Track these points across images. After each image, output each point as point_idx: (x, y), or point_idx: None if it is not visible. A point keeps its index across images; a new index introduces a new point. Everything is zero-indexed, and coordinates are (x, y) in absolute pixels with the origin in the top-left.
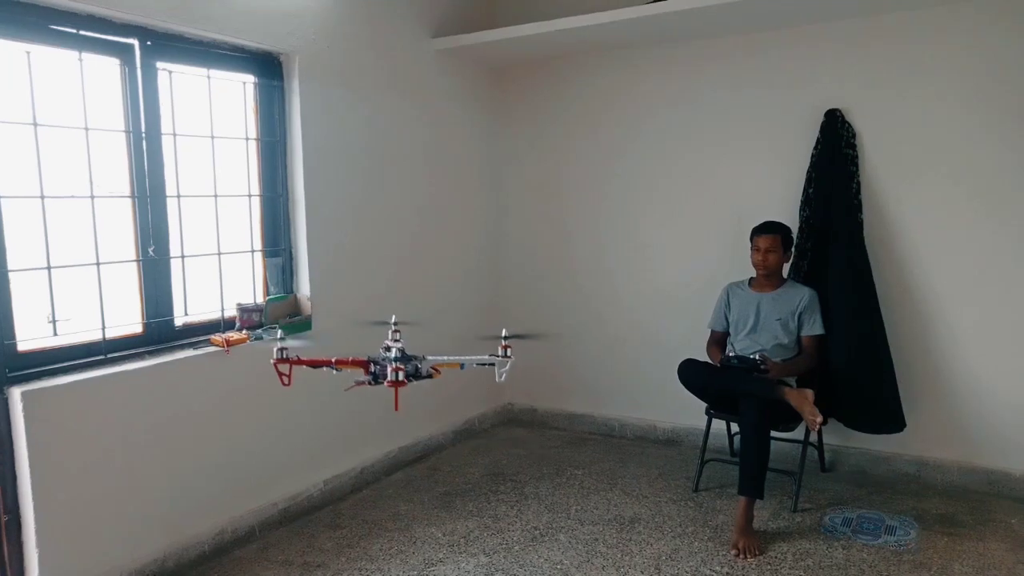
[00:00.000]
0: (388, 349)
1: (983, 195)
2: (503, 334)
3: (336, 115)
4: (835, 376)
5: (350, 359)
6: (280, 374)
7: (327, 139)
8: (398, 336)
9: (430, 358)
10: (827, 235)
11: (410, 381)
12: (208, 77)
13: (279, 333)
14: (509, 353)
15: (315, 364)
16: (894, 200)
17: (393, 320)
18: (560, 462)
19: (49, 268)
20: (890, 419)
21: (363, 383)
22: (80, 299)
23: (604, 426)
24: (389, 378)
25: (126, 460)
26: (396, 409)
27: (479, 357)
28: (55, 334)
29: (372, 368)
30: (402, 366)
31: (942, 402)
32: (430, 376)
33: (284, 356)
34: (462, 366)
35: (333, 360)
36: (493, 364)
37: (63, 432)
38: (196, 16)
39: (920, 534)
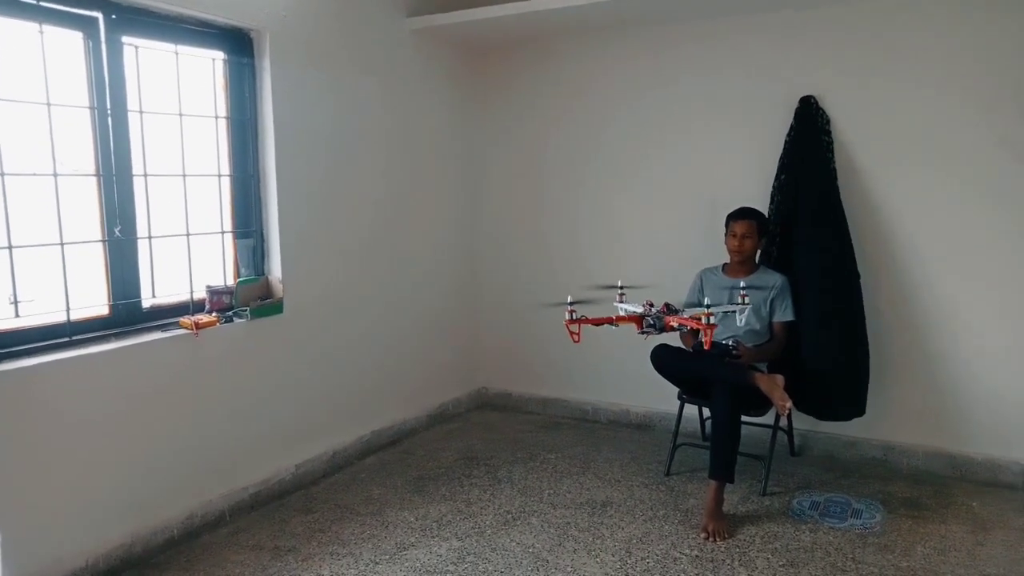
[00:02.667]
0: (650, 305)
1: (958, 180)
2: (741, 285)
3: (309, 94)
4: (805, 365)
5: (628, 316)
6: (572, 333)
7: (299, 118)
8: (624, 296)
9: (687, 311)
10: (798, 221)
11: (710, 325)
12: (176, 53)
13: (568, 298)
14: (747, 300)
15: (598, 323)
16: (869, 186)
17: (620, 283)
18: (533, 446)
19: (11, 248)
20: (851, 404)
21: (649, 332)
22: (44, 280)
23: (578, 410)
24: (704, 323)
25: (92, 444)
26: (707, 347)
27: (726, 307)
28: (17, 315)
29: (646, 320)
30: (674, 315)
31: (908, 388)
32: (712, 326)
33: (575, 317)
34: (714, 315)
35: (615, 318)
36: (735, 311)
37: (26, 415)
38: None
39: (885, 517)
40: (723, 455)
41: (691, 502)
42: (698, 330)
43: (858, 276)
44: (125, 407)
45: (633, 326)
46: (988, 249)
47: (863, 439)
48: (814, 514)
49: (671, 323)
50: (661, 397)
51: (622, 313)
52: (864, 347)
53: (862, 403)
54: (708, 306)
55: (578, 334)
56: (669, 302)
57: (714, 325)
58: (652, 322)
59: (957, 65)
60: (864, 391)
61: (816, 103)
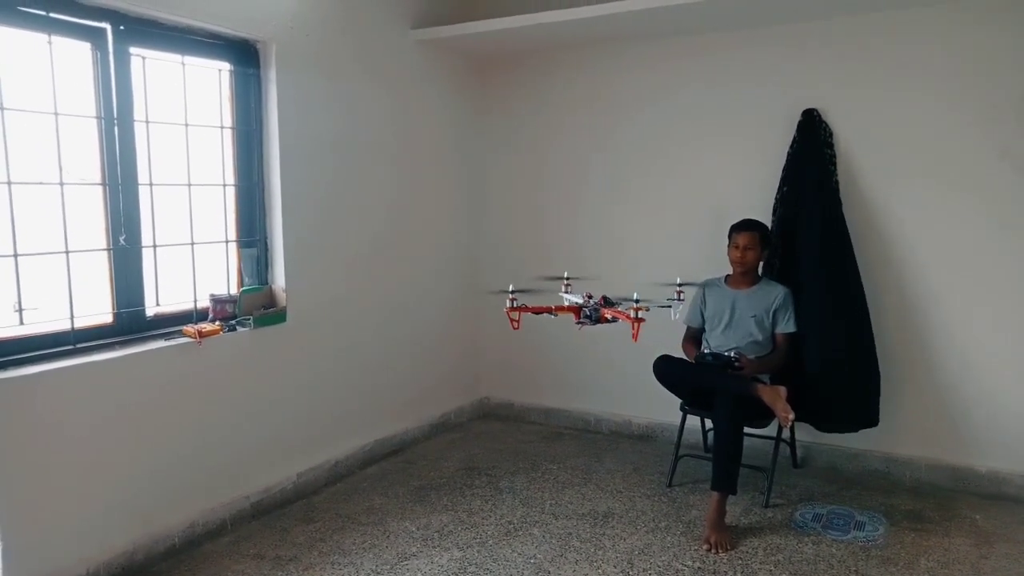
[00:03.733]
0: (590, 297)
1: (960, 192)
2: (677, 280)
3: (314, 105)
4: (810, 378)
5: (566, 306)
6: (511, 320)
7: (304, 129)
8: (570, 287)
9: (623, 304)
10: (801, 234)
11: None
12: (183, 64)
13: (510, 286)
14: (681, 296)
15: (538, 311)
16: (871, 199)
17: (565, 274)
18: (535, 456)
19: (16, 256)
20: (864, 416)
21: (584, 323)
22: (48, 288)
23: (580, 421)
24: (631, 314)
25: (95, 452)
26: (635, 340)
27: (659, 301)
28: (21, 323)
29: (584, 310)
30: (609, 307)
31: (912, 400)
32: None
33: (515, 305)
34: (648, 308)
35: (553, 307)
36: (670, 306)
37: (30, 423)
38: (171, 1)
39: (888, 530)
40: (725, 467)
41: (693, 513)
42: (708, 353)
43: (861, 289)
44: (128, 415)
45: (571, 316)
46: (991, 261)
47: (866, 451)
48: (817, 526)
49: (606, 315)
50: (663, 408)
51: (564, 304)
52: (872, 358)
53: (873, 413)
54: (638, 300)
55: (518, 321)
56: (607, 295)
57: (642, 319)
58: (588, 313)
59: (959, 78)
60: (875, 401)
61: (819, 116)
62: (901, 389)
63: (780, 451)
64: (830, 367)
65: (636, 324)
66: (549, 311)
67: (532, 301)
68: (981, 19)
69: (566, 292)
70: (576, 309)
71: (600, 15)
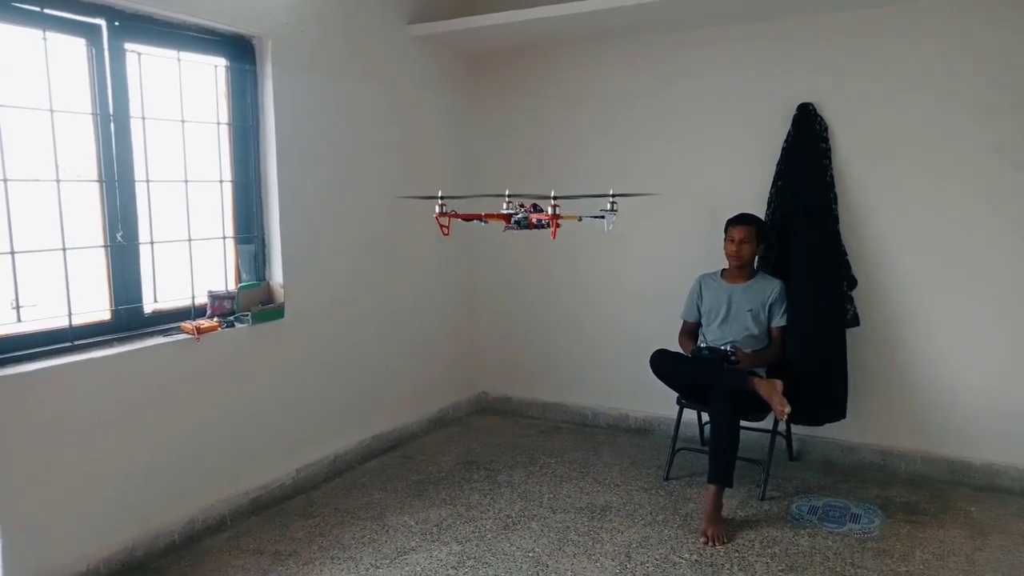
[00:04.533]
0: (522, 206)
1: (954, 189)
2: (610, 192)
3: (310, 100)
4: (790, 367)
5: (495, 214)
6: (441, 226)
7: (301, 124)
8: (511, 203)
9: (559, 210)
10: (796, 227)
11: (553, 223)
12: (178, 60)
13: (439, 192)
14: (615, 208)
15: (467, 218)
16: (865, 193)
17: (507, 192)
18: (533, 451)
19: (13, 253)
20: (832, 409)
21: (512, 228)
22: (46, 285)
23: (577, 415)
24: (547, 214)
25: (94, 448)
26: (554, 237)
27: (592, 213)
28: (19, 320)
29: (514, 218)
30: (538, 212)
31: (906, 392)
32: (547, 226)
33: (443, 211)
34: (580, 219)
35: (483, 215)
36: (603, 217)
37: (28, 420)
38: None
39: (884, 522)
40: (722, 460)
41: (690, 506)
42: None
43: (854, 281)
44: (126, 412)
45: (502, 223)
46: (987, 255)
47: (861, 444)
48: (813, 519)
49: (533, 220)
50: (660, 402)
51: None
52: (842, 354)
53: (840, 407)
54: (555, 197)
55: (447, 227)
56: (536, 203)
57: (558, 216)
58: (519, 220)
59: (954, 74)
60: (843, 395)
61: (814, 110)
62: (896, 382)
63: (776, 444)
64: (806, 359)
65: (554, 222)
66: (479, 218)
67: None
68: (977, 15)
69: (507, 208)
70: (506, 216)
71: (594, 10)
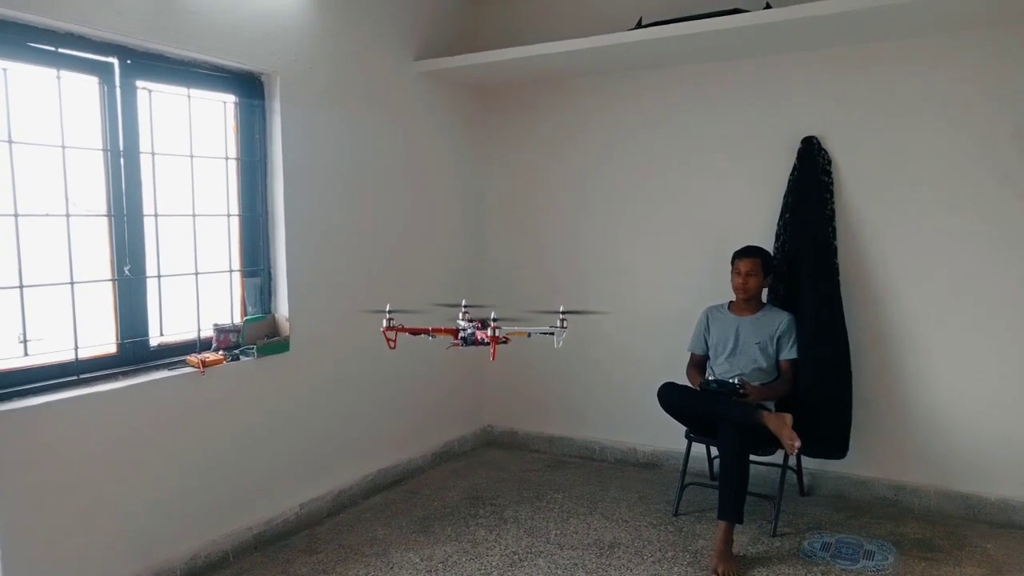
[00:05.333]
0: (471, 321)
1: (956, 223)
2: (560, 308)
3: (317, 136)
4: (802, 400)
5: (443, 328)
6: (387, 340)
7: (308, 159)
8: (468, 315)
9: (505, 328)
10: (802, 261)
11: (502, 341)
12: (188, 96)
13: (387, 306)
14: (565, 324)
15: (415, 332)
16: (868, 227)
17: (463, 302)
18: (540, 485)
19: (21, 287)
20: (835, 446)
21: (458, 344)
22: (53, 318)
23: (584, 449)
24: (489, 334)
25: (98, 483)
26: (493, 359)
27: (542, 328)
28: (26, 354)
29: (461, 334)
30: (485, 330)
31: (918, 426)
32: (506, 341)
33: (391, 325)
34: (529, 335)
35: (431, 329)
36: (552, 333)
37: (33, 454)
38: (177, 35)
39: (898, 559)
40: (732, 495)
41: (700, 543)
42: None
43: (843, 320)
44: (130, 446)
45: (450, 337)
46: (995, 286)
47: (873, 479)
48: (825, 556)
49: (478, 337)
50: (669, 435)
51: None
52: (847, 391)
53: (845, 446)
54: (495, 320)
55: (394, 341)
56: (484, 319)
57: (499, 338)
58: (465, 337)
59: (956, 105)
60: (847, 433)
61: (818, 143)
62: (908, 417)
63: (787, 479)
64: (814, 393)
65: (493, 343)
66: (426, 332)
67: (417, 323)
68: (979, 47)
69: (462, 319)
70: (454, 331)
71: (598, 46)
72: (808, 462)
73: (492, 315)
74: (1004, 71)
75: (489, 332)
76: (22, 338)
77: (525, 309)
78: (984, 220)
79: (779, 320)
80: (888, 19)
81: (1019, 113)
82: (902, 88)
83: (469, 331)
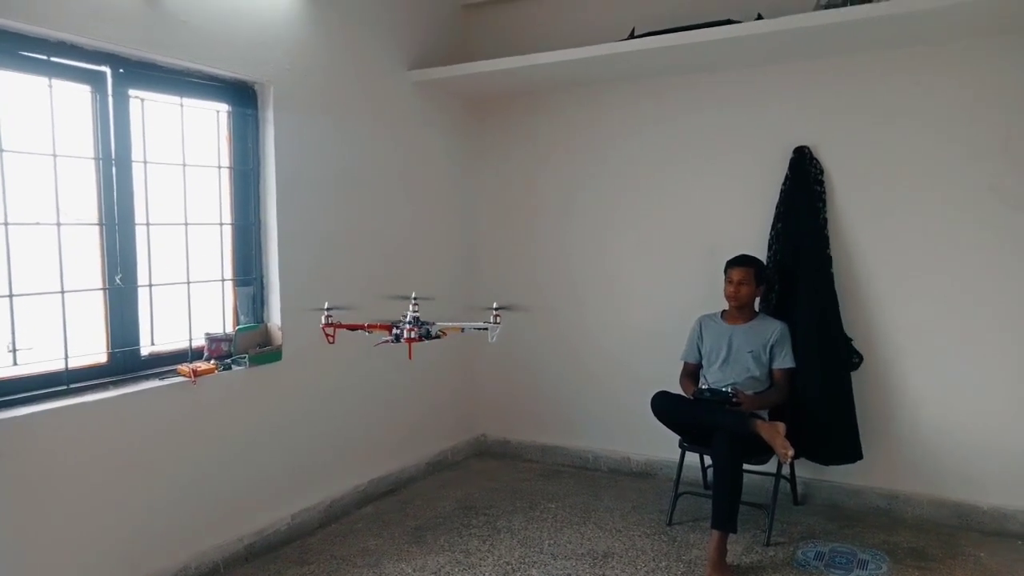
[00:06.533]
0: (405, 315)
1: (948, 232)
2: (494, 305)
3: (311, 145)
4: (802, 409)
5: (379, 324)
6: (327, 335)
7: (301, 168)
8: (417, 308)
9: (438, 324)
10: (795, 269)
11: (423, 339)
12: (181, 105)
13: (326, 303)
14: (498, 320)
15: (352, 328)
16: (861, 236)
17: (413, 295)
18: (533, 495)
19: (11, 296)
20: (848, 450)
21: (387, 341)
22: (43, 328)
23: (578, 458)
24: (405, 335)
25: (87, 493)
26: (410, 357)
27: (476, 323)
28: (15, 364)
29: (394, 330)
30: (415, 327)
31: (911, 435)
32: (438, 337)
33: (330, 321)
34: (463, 330)
35: (366, 324)
36: (487, 329)
37: (22, 464)
38: (170, 44)
39: (891, 568)
40: (725, 504)
41: (694, 552)
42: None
43: (841, 328)
44: (120, 456)
45: (384, 333)
46: (986, 294)
47: (866, 488)
48: (819, 565)
49: (408, 333)
50: (662, 444)
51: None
52: (848, 398)
53: (858, 449)
54: (417, 321)
55: (333, 336)
56: (419, 316)
57: (414, 339)
58: (398, 332)
59: (947, 116)
60: (857, 437)
61: (810, 153)
62: (901, 425)
63: (780, 488)
64: (818, 401)
65: (409, 344)
66: (362, 328)
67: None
68: (968, 59)
69: (413, 311)
70: (388, 326)
71: (590, 57)
72: (801, 471)
73: (412, 308)
74: (993, 81)
75: (406, 333)
76: (11, 347)
77: (465, 305)
78: (975, 229)
79: (772, 329)
80: (879, 30)
81: (1008, 122)
82: (893, 98)
83: (402, 328)
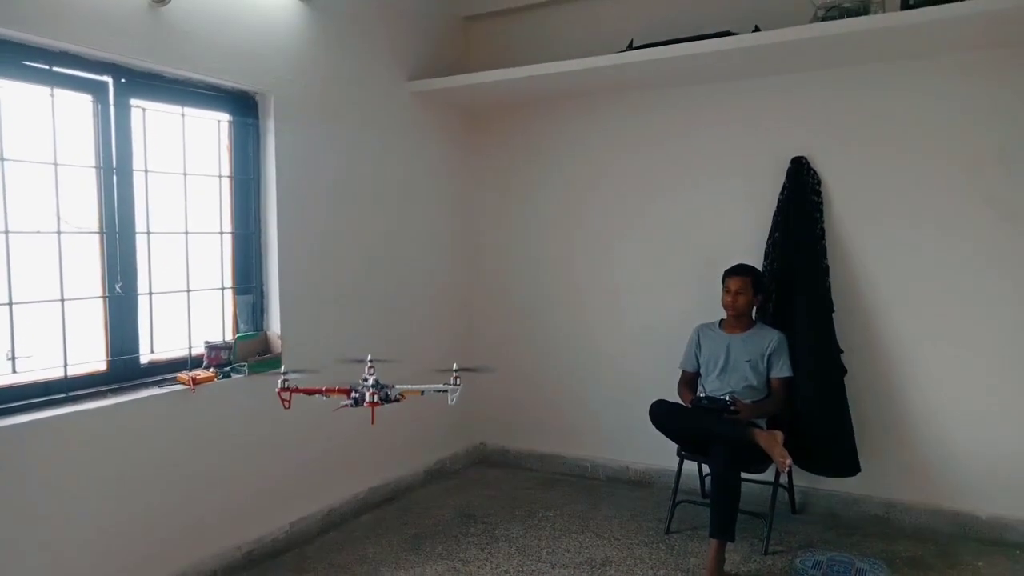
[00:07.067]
0: (366, 380)
1: (945, 242)
2: (454, 367)
3: (311, 154)
4: (796, 420)
5: (336, 388)
6: (283, 400)
7: (301, 178)
8: (373, 370)
9: (398, 387)
10: (792, 279)
11: (383, 403)
12: (182, 115)
13: (282, 368)
14: (458, 382)
15: (309, 392)
16: (858, 246)
17: (369, 357)
18: (532, 503)
19: (11, 304)
20: (846, 463)
21: (347, 405)
22: (43, 335)
23: (576, 467)
24: (367, 400)
25: (85, 501)
26: (372, 423)
27: (435, 385)
28: (14, 371)
29: (353, 394)
30: (376, 391)
31: (909, 445)
32: (398, 400)
33: (286, 385)
34: (423, 393)
35: (324, 389)
36: (447, 391)
37: (20, 471)
38: (172, 55)
39: None
40: (723, 513)
41: (692, 561)
42: (704, 398)
43: (834, 330)
44: (119, 464)
45: (343, 397)
46: (984, 304)
47: (865, 496)
48: (817, 574)
49: (367, 398)
50: (660, 453)
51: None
52: (844, 409)
53: (855, 463)
54: (378, 385)
55: (288, 401)
56: (379, 380)
57: (377, 403)
58: (357, 396)
59: (942, 127)
60: (854, 450)
61: (807, 163)
62: (899, 434)
63: (778, 497)
64: (814, 411)
65: (372, 408)
66: (319, 392)
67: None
68: (963, 71)
69: (369, 374)
70: (347, 390)
71: (589, 68)
72: (799, 480)
73: (368, 369)
74: (988, 93)
75: (368, 397)
76: (11, 355)
77: (426, 367)
78: (971, 239)
79: (769, 338)
80: (875, 43)
81: (1004, 134)
82: (890, 109)
83: (361, 392)
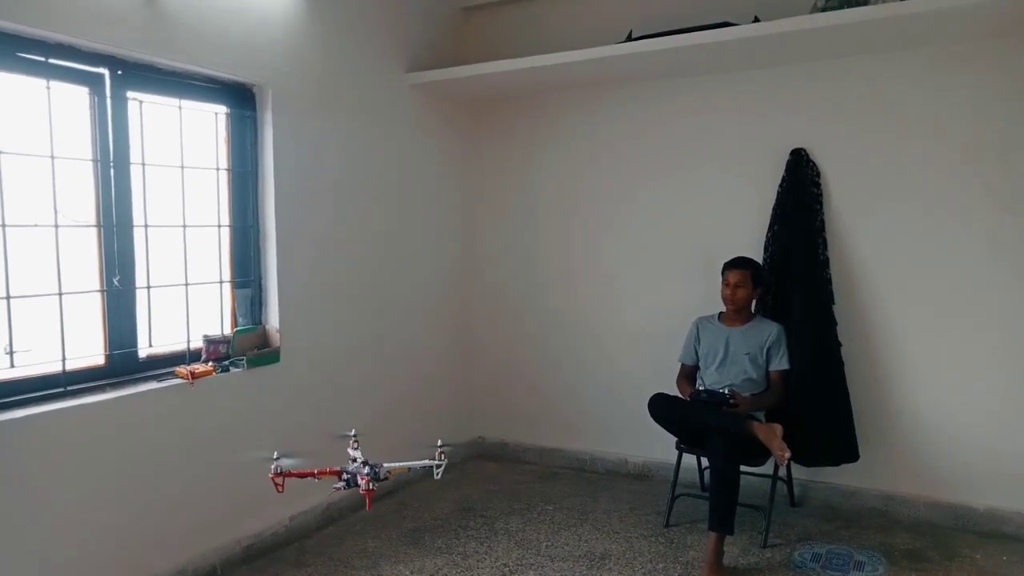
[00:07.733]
0: (354, 460)
1: (944, 234)
2: (439, 443)
3: (309, 146)
4: (798, 411)
5: (328, 470)
6: (276, 485)
7: (299, 170)
8: (356, 444)
9: (386, 465)
10: (792, 271)
11: (375, 485)
12: (179, 107)
13: (275, 454)
14: (444, 457)
15: (302, 475)
16: (857, 238)
17: (353, 432)
18: (531, 497)
19: (8, 298)
20: (845, 452)
21: (339, 488)
22: (41, 329)
23: (575, 460)
24: (362, 487)
25: (84, 495)
26: (368, 508)
27: (422, 462)
28: (12, 365)
29: (344, 476)
30: (369, 476)
31: (907, 437)
32: (386, 479)
33: (279, 470)
34: (409, 470)
35: (316, 471)
36: (432, 467)
37: (18, 466)
38: (169, 47)
39: (888, 570)
40: (722, 506)
41: (691, 554)
42: (703, 391)
43: (835, 323)
44: (118, 458)
45: (335, 479)
46: (982, 296)
47: (863, 489)
48: (816, 567)
49: (360, 480)
50: (659, 446)
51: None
52: (844, 398)
53: (855, 450)
54: (374, 472)
55: (282, 485)
56: (369, 461)
57: (373, 490)
58: (348, 478)
59: (942, 118)
60: (854, 437)
61: (806, 155)
62: (897, 427)
63: (777, 490)
64: (812, 402)
65: (368, 496)
66: (312, 475)
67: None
68: (961, 62)
69: (353, 449)
70: (338, 472)
71: (588, 59)
72: (798, 472)
73: (352, 445)
74: (990, 84)
75: (363, 484)
76: (9, 349)
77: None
78: (970, 231)
79: (769, 331)
80: (876, 33)
81: (1005, 125)
82: (889, 100)
83: (350, 473)
